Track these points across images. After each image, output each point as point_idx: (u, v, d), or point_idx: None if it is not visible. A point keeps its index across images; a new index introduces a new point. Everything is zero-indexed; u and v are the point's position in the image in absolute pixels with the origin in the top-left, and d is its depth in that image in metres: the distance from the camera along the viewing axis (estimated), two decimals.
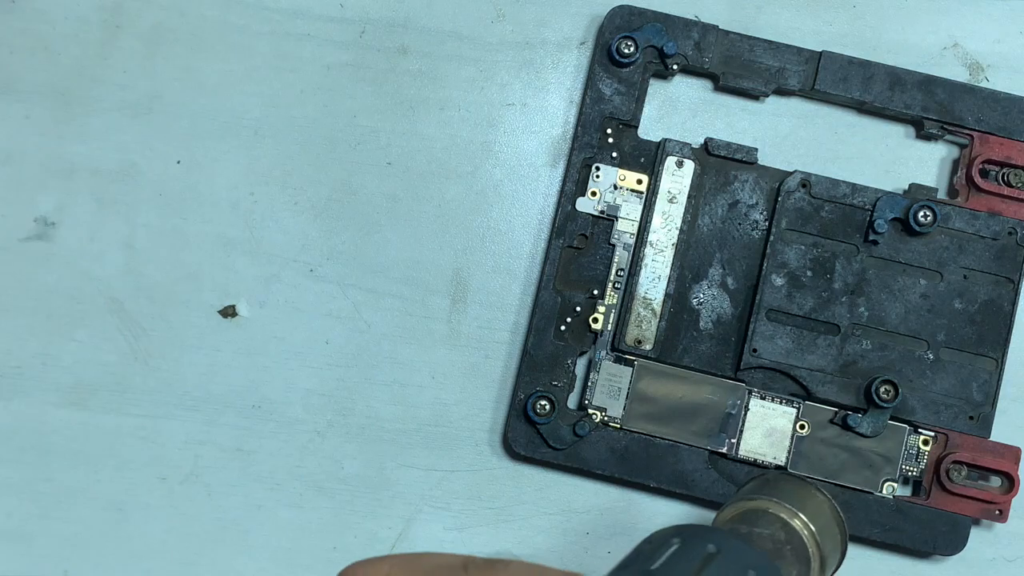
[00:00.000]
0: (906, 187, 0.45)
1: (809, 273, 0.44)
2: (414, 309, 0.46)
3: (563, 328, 0.45)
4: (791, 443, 0.44)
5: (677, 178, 0.45)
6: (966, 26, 0.46)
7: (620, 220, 0.45)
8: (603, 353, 0.45)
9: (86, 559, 0.46)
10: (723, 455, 0.45)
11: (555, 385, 0.45)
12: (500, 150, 0.47)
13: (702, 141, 0.45)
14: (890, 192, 0.44)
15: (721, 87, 0.46)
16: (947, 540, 0.44)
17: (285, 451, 0.46)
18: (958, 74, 0.46)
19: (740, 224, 0.45)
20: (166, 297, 0.46)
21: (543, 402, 0.44)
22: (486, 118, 0.47)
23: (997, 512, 0.44)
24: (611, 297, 0.45)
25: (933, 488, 0.44)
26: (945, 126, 0.45)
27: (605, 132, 0.45)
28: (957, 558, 0.44)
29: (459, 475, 0.46)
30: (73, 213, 0.47)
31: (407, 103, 0.47)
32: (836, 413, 0.44)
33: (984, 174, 0.45)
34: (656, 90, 0.46)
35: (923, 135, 0.46)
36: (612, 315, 0.45)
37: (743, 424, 0.44)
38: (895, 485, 0.44)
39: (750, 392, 0.44)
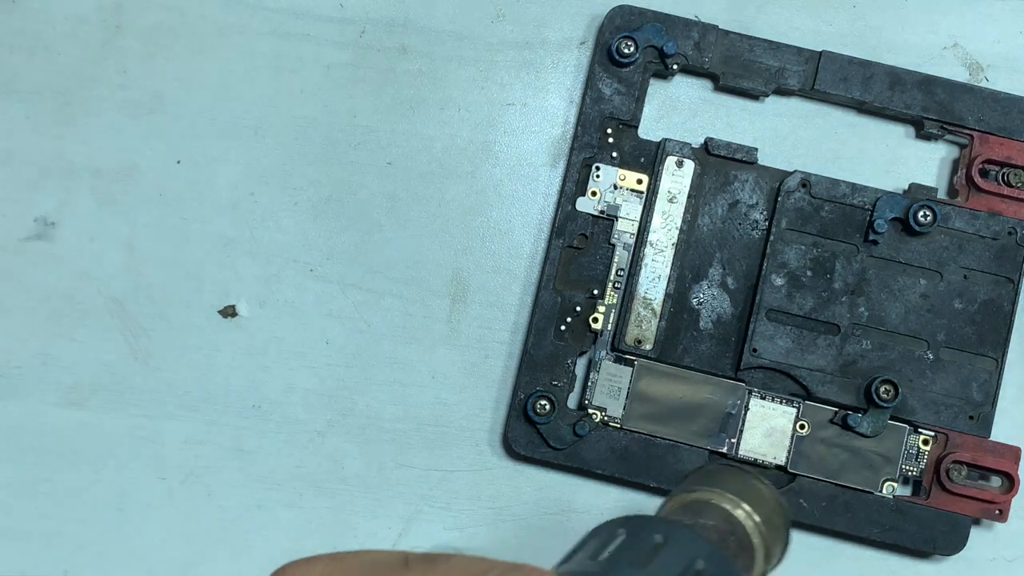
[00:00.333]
0: (906, 187, 0.45)
1: (809, 273, 0.44)
2: (414, 309, 0.46)
3: (563, 328, 0.45)
4: (791, 443, 0.44)
5: (677, 178, 0.45)
6: (966, 26, 0.46)
7: (620, 220, 0.45)
8: (603, 353, 0.45)
9: (86, 559, 0.46)
10: (723, 455, 0.44)
11: (555, 385, 0.45)
12: (500, 150, 0.47)
13: (702, 141, 0.45)
14: (890, 192, 0.44)
15: (721, 87, 0.46)
16: (947, 540, 0.44)
17: (285, 451, 0.46)
18: (958, 74, 0.46)
19: (740, 224, 0.45)
20: (166, 297, 0.46)
21: (543, 402, 0.44)
22: (486, 118, 0.47)
23: (997, 512, 0.44)
24: (611, 297, 0.45)
25: (933, 488, 0.44)
26: (945, 126, 0.45)
27: (605, 132, 0.45)
28: (957, 558, 0.44)
29: (459, 475, 0.46)
30: (73, 213, 0.47)
31: (407, 103, 0.47)
32: (836, 413, 0.44)
33: (984, 174, 0.45)
34: (656, 90, 0.46)
35: (923, 135, 0.46)
36: (612, 315, 0.45)
37: (743, 424, 0.44)
38: (895, 485, 0.44)
39: (750, 392, 0.44)
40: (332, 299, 0.46)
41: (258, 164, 0.47)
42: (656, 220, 0.45)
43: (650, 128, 0.46)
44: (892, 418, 0.44)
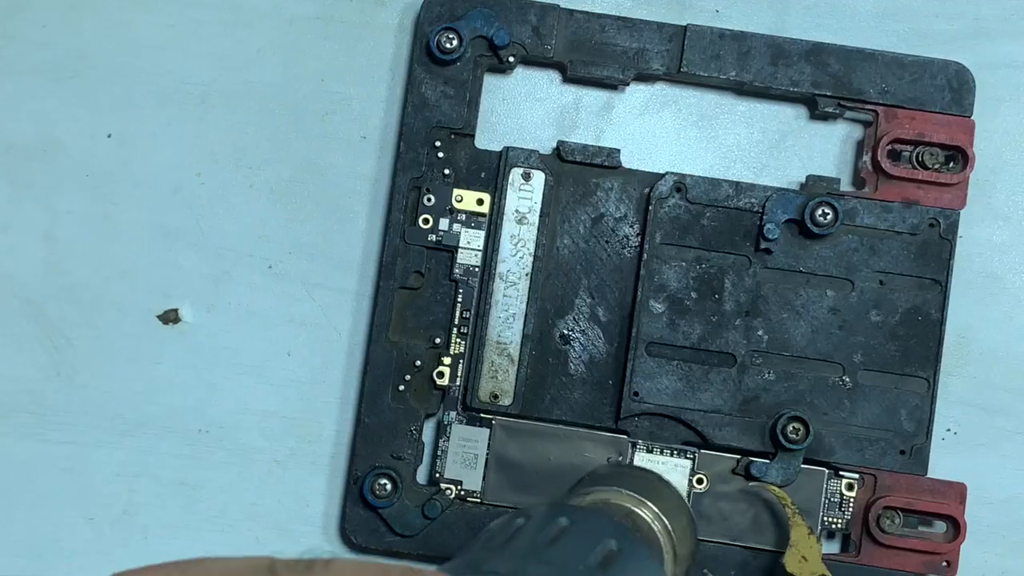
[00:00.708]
0: (803, 180, 0.41)
1: (693, 295, 0.40)
2: None
3: (402, 388, 0.40)
4: (688, 502, 0.40)
5: (525, 193, 0.41)
6: None
7: (460, 251, 0.41)
8: (453, 414, 0.41)
9: None
10: None
11: (398, 459, 0.40)
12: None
13: (553, 146, 0.41)
14: (782, 189, 0.41)
15: (570, 78, 0.42)
16: None
17: (238, 485, 0.43)
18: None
19: (607, 242, 0.41)
20: (94, 299, 0.43)
21: (383, 481, 0.40)
22: None
23: (944, 564, 0.40)
24: (457, 345, 0.41)
25: (864, 541, 0.40)
26: (843, 102, 0.41)
27: (434, 145, 0.41)
28: None
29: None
30: None
31: (385, 65, 0.42)
32: (739, 461, 0.40)
33: (894, 156, 0.41)
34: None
35: (817, 115, 0.42)
36: (460, 367, 0.41)
37: None
38: None
39: (634, 444, 0.41)
40: (295, 301, 0.43)
41: (205, 138, 0.43)
42: (504, 247, 0.41)
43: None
44: (806, 461, 0.40)
